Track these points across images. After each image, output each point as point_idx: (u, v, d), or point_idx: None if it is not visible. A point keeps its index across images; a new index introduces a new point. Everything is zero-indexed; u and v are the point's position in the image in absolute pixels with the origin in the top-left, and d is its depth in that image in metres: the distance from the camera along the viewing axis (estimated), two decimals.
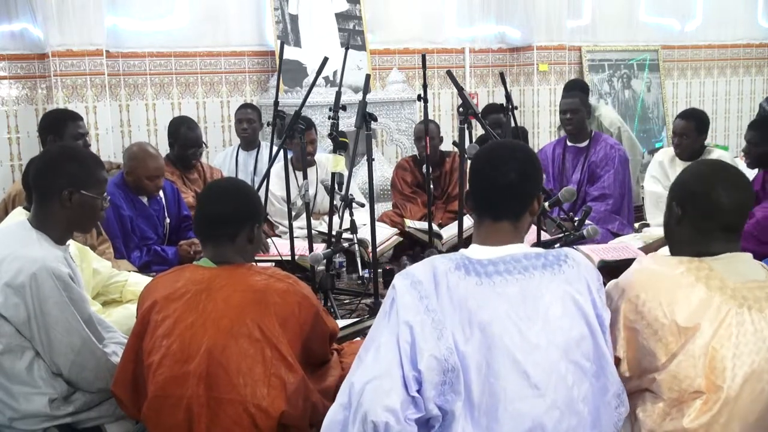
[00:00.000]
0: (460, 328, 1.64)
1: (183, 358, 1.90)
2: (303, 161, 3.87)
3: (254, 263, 2.40)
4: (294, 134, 3.57)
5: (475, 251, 1.78)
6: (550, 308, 1.68)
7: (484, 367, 1.62)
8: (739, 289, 1.77)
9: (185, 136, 4.42)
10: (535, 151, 5.32)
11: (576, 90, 5.46)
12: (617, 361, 1.85)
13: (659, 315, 1.78)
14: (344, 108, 3.63)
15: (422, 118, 3.92)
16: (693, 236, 1.89)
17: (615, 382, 1.72)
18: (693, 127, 4.10)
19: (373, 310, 3.23)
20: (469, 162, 3.31)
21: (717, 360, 1.72)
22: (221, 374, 1.88)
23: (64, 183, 2.18)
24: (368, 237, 3.49)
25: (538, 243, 3.47)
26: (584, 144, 4.68)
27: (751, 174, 3.88)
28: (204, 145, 4.64)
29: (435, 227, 4.39)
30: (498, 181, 1.79)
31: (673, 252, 1.97)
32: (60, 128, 3.59)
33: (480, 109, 4.76)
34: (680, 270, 1.82)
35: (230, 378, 1.88)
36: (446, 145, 5.78)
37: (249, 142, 5.06)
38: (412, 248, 4.74)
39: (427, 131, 3.88)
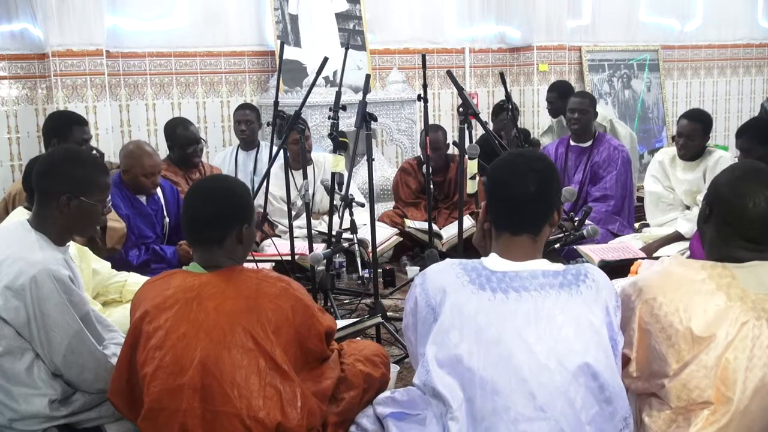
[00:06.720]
0: (466, 344, 1.63)
1: (176, 370, 1.86)
2: (303, 161, 3.88)
3: (254, 264, 2.37)
4: (289, 134, 3.58)
5: (494, 262, 1.75)
6: (562, 329, 1.64)
7: (489, 385, 1.60)
8: (759, 301, 1.73)
9: (182, 135, 4.44)
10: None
11: (556, 91, 5.43)
12: (627, 360, 1.83)
13: (674, 321, 1.74)
14: (344, 108, 3.63)
15: (422, 118, 3.92)
16: (715, 239, 1.85)
17: (624, 407, 1.68)
18: (700, 129, 4.03)
19: (373, 310, 3.23)
20: (470, 162, 3.32)
21: (729, 371, 1.68)
22: (215, 386, 1.84)
23: (63, 188, 2.16)
24: (368, 237, 3.49)
25: None
26: (587, 144, 4.67)
27: None
28: (203, 141, 4.65)
29: (435, 227, 4.38)
30: (517, 195, 1.73)
31: (705, 249, 1.91)
32: (65, 132, 3.59)
33: (480, 109, 4.76)
34: (702, 276, 1.77)
35: (225, 390, 1.84)
36: None
37: (248, 143, 5.06)
38: (412, 248, 4.74)
39: (427, 132, 3.88)
